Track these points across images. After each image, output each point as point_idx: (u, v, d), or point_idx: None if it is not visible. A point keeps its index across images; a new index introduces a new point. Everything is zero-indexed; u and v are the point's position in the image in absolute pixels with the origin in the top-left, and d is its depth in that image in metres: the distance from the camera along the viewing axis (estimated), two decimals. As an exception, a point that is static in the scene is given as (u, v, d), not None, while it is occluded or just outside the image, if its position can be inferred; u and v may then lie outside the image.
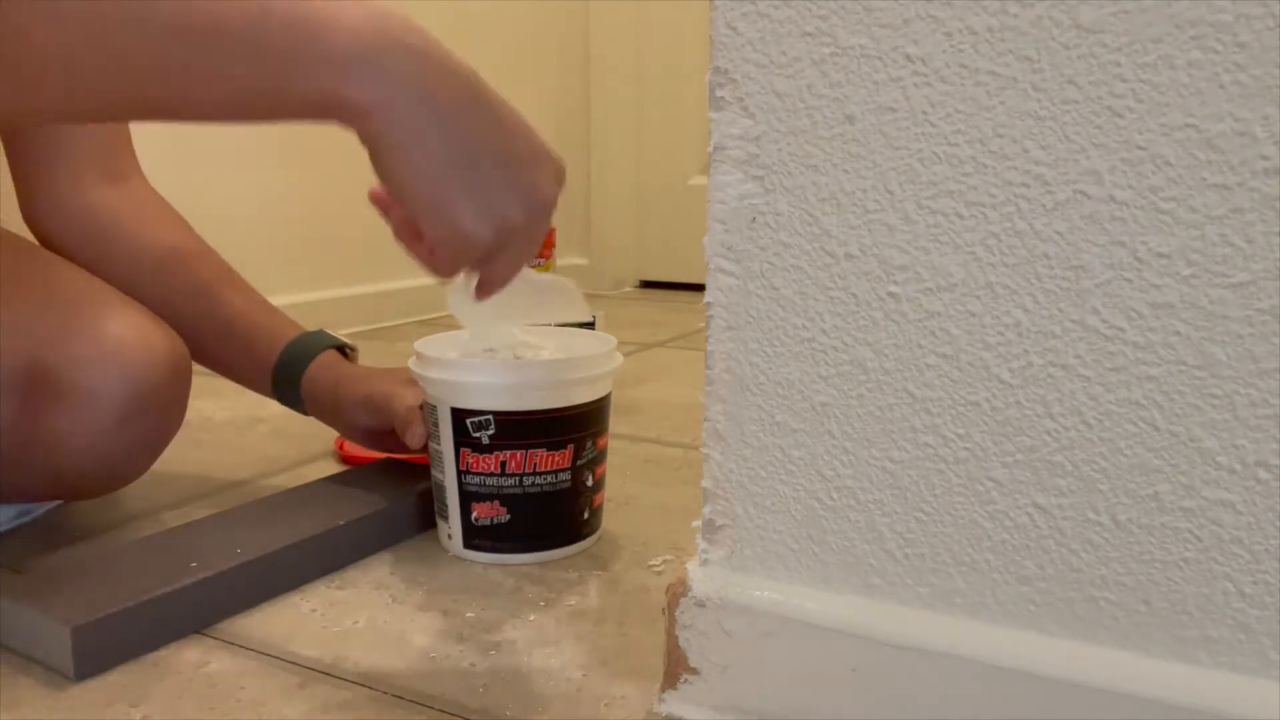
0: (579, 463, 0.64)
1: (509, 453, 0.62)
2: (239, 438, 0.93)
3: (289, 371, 0.74)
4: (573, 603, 0.59)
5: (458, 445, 0.63)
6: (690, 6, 1.93)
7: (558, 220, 1.22)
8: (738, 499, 0.44)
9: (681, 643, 0.45)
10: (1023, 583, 0.39)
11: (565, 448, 0.63)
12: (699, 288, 0.49)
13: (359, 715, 0.47)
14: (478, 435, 0.62)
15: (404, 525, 0.69)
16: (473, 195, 0.46)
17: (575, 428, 0.63)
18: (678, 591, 0.45)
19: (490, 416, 0.61)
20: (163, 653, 0.52)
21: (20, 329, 0.61)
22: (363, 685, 0.49)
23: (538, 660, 0.52)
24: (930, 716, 0.41)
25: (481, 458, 0.62)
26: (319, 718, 0.47)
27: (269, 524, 0.63)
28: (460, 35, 1.85)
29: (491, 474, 0.62)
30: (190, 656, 0.52)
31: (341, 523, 0.63)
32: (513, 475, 0.62)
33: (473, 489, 0.63)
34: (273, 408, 0.79)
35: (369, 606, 0.58)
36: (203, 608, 0.55)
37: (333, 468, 0.84)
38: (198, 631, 0.55)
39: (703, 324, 0.44)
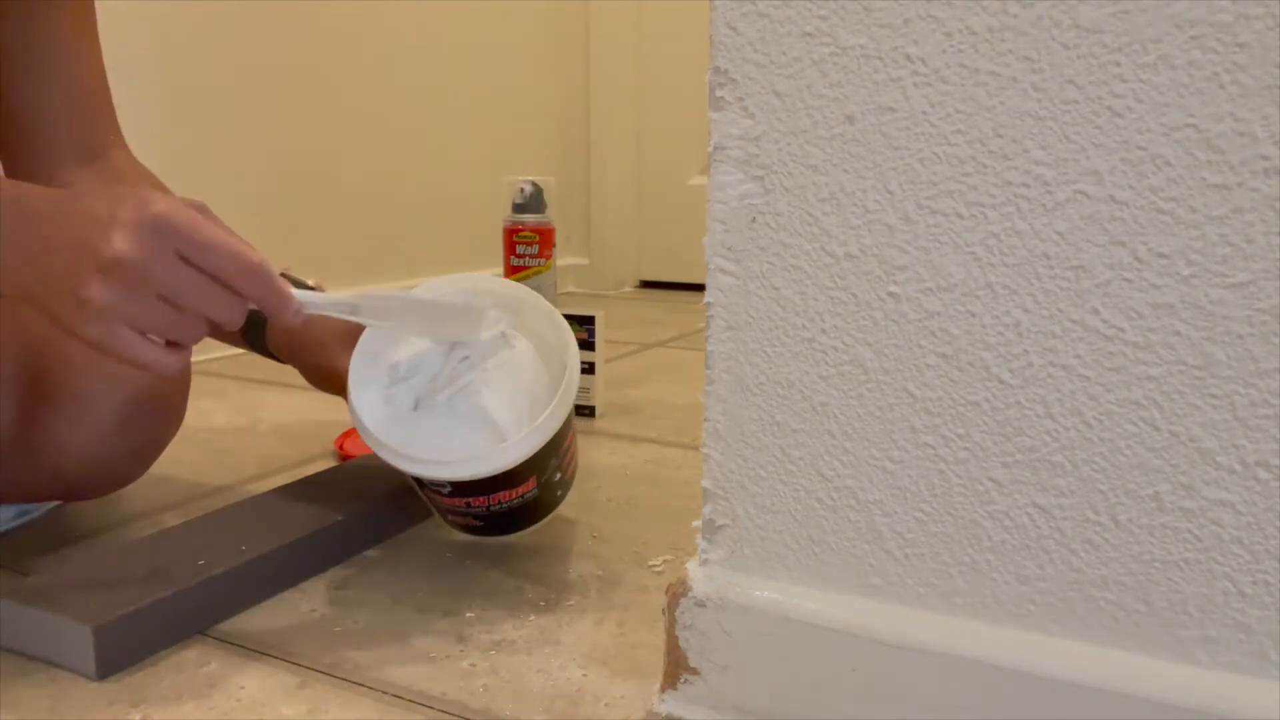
0: (544, 479, 0.62)
1: (470, 497, 0.60)
2: (239, 438, 0.93)
3: (253, 317, 0.72)
4: (573, 603, 0.59)
5: (421, 487, 0.62)
6: (690, 6, 1.93)
7: (558, 220, 1.22)
8: (738, 499, 0.44)
9: (681, 643, 0.45)
10: (1023, 583, 0.39)
11: (527, 480, 0.61)
12: (699, 288, 0.49)
13: (359, 715, 0.47)
14: (436, 488, 0.61)
15: (406, 519, 0.69)
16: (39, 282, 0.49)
17: (534, 466, 0.60)
18: (678, 591, 0.45)
19: (447, 483, 0.59)
20: (162, 652, 0.52)
21: (18, 331, 0.61)
22: (363, 685, 0.49)
23: (538, 660, 0.52)
24: (930, 716, 0.41)
25: (447, 499, 0.61)
26: (319, 718, 0.47)
27: (271, 521, 0.63)
28: (460, 36, 1.85)
29: (458, 508, 0.62)
30: (190, 656, 0.52)
31: (342, 517, 0.64)
32: (479, 508, 0.61)
33: (440, 509, 0.64)
34: (273, 408, 0.79)
35: (369, 606, 0.58)
36: (215, 605, 0.56)
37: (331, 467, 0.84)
38: (208, 628, 0.55)
39: (703, 324, 0.44)
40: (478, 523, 0.64)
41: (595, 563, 0.64)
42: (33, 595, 0.52)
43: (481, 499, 0.61)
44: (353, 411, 0.61)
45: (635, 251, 2.11)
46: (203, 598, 0.55)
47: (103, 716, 0.47)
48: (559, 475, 0.64)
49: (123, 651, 0.51)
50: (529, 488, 0.61)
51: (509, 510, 0.62)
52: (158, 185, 0.76)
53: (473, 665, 0.51)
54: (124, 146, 0.77)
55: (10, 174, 0.73)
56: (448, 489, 0.60)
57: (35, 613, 0.51)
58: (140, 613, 0.51)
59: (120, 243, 0.46)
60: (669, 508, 0.75)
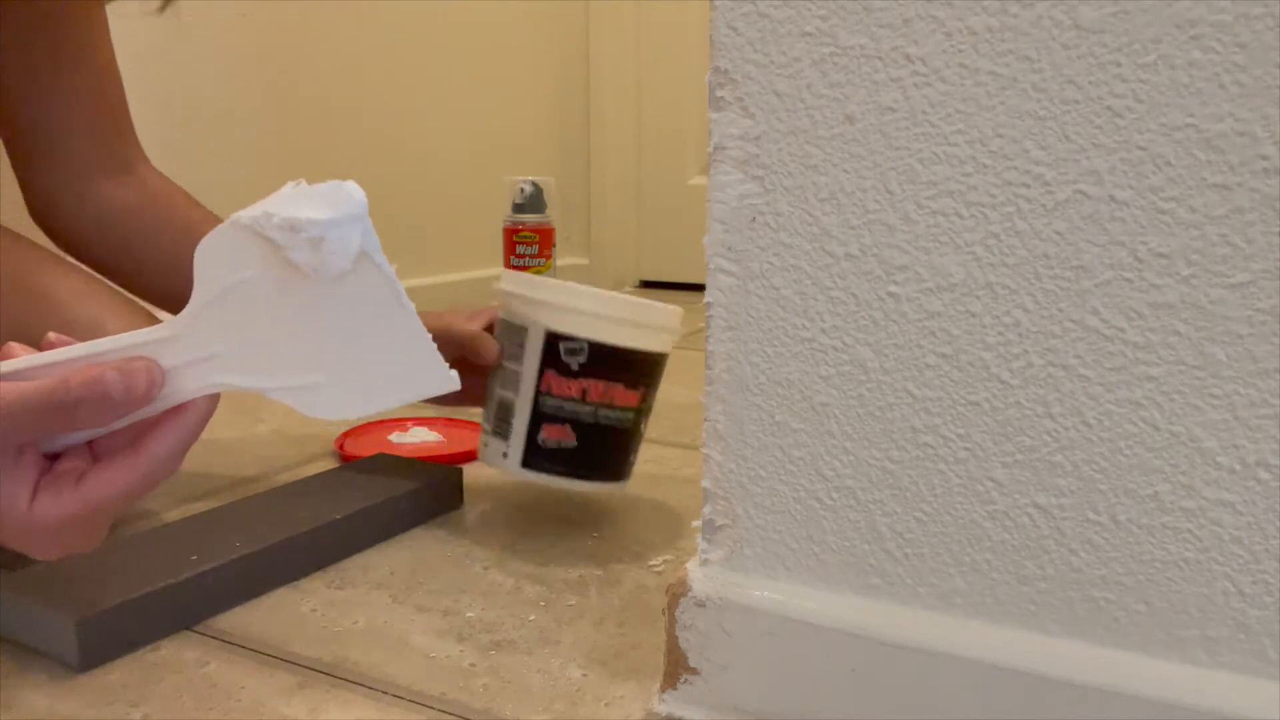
0: (642, 406, 0.67)
1: (593, 381, 0.64)
2: (239, 438, 0.93)
3: None
4: (573, 603, 0.59)
5: (543, 367, 0.64)
6: (690, 6, 1.93)
7: (558, 220, 1.21)
8: (738, 499, 0.44)
9: (681, 643, 0.45)
10: (1023, 583, 0.39)
11: (638, 388, 0.66)
12: (699, 288, 0.49)
13: (359, 715, 0.47)
14: (568, 360, 0.64)
15: (403, 517, 0.69)
16: None
17: (649, 371, 0.67)
18: (678, 591, 0.45)
19: (585, 344, 0.64)
20: (163, 652, 0.52)
21: (17, 329, 0.61)
22: (363, 685, 0.49)
23: (538, 660, 0.52)
24: (930, 716, 0.40)
25: (566, 381, 0.64)
26: (319, 718, 0.47)
27: (268, 519, 0.63)
28: (460, 36, 1.85)
29: (571, 399, 0.65)
30: (190, 656, 0.52)
31: (341, 516, 0.64)
32: (590, 404, 0.65)
33: (548, 411, 0.65)
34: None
35: (369, 606, 0.58)
36: (204, 600, 0.56)
37: (332, 467, 0.83)
38: (198, 625, 0.55)
39: (703, 324, 0.44)
40: (572, 441, 0.65)
41: (595, 563, 0.64)
42: (23, 586, 0.52)
43: (601, 385, 0.64)
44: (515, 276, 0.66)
45: (635, 251, 2.11)
46: (192, 593, 0.55)
47: (102, 716, 0.47)
48: (646, 420, 0.69)
49: (108, 644, 0.51)
50: (638, 398, 0.66)
51: (607, 429, 0.65)
52: (187, 199, 0.76)
53: (473, 665, 0.51)
54: (146, 158, 0.77)
55: (28, 187, 0.73)
56: (584, 355, 0.64)
57: (24, 603, 0.51)
58: (126, 605, 0.51)
59: (44, 550, 0.41)
60: (669, 508, 0.75)
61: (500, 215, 1.20)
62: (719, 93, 0.41)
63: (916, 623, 0.41)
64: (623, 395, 0.66)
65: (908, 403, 0.40)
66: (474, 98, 1.77)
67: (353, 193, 0.37)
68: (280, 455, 0.88)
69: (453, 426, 0.93)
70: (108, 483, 0.40)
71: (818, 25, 0.39)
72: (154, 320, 0.66)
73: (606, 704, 0.48)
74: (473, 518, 0.72)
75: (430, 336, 0.39)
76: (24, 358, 0.40)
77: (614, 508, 0.74)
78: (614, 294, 0.67)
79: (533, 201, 1.17)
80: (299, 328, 0.39)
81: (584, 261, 2.10)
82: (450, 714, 0.47)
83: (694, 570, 0.46)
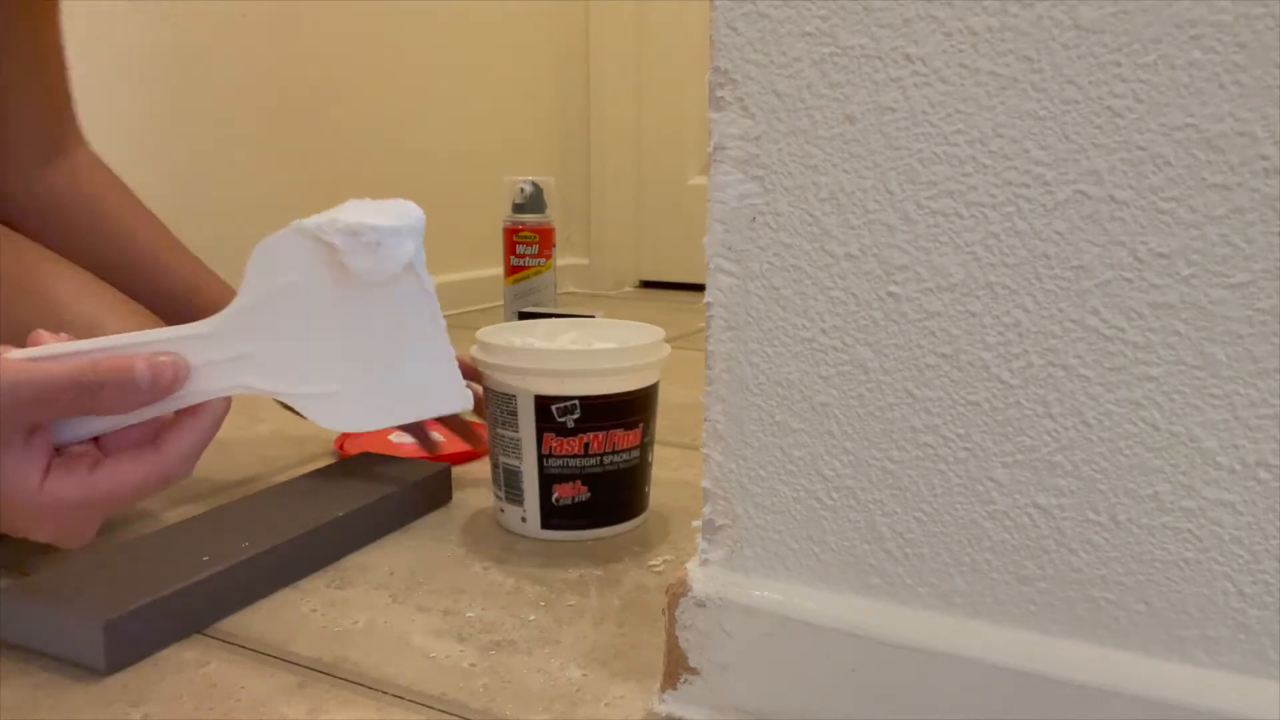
0: (645, 440, 0.68)
1: (592, 434, 0.65)
2: (239, 438, 0.93)
3: None
4: (573, 603, 0.59)
5: (540, 431, 0.65)
6: (690, 6, 1.93)
7: (558, 220, 1.21)
8: (738, 499, 0.44)
9: (681, 643, 0.45)
10: (1023, 583, 0.39)
11: (636, 427, 0.67)
12: (699, 288, 0.49)
13: (359, 715, 0.47)
14: (563, 420, 0.64)
15: (400, 514, 0.70)
16: None
17: (642, 409, 0.68)
18: (678, 591, 0.45)
19: (576, 401, 0.64)
20: (162, 653, 0.52)
21: (16, 329, 0.61)
22: (363, 685, 0.49)
23: (538, 660, 0.52)
24: (930, 716, 0.41)
25: (566, 441, 0.65)
26: (319, 718, 0.47)
27: (272, 518, 0.63)
28: (460, 35, 1.85)
29: (575, 455, 0.65)
30: (190, 656, 0.52)
31: (343, 513, 0.64)
32: (594, 455, 0.66)
33: (555, 471, 0.66)
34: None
35: (369, 606, 0.58)
36: (220, 601, 0.56)
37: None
38: (209, 627, 0.55)
39: (703, 324, 0.44)
40: (585, 494, 0.66)
41: (595, 563, 0.64)
42: (38, 592, 0.52)
43: (601, 435, 0.65)
44: (488, 344, 0.66)
45: (635, 251, 2.11)
46: (208, 593, 0.55)
47: (103, 716, 0.47)
48: (652, 448, 0.70)
49: (131, 647, 0.51)
50: (640, 434, 0.67)
51: (617, 473, 0.66)
52: (120, 187, 0.75)
53: (473, 665, 0.51)
54: (85, 143, 0.75)
55: None
56: (577, 411, 0.64)
57: (42, 608, 0.51)
58: (150, 607, 0.52)
59: (43, 532, 0.42)
60: (669, 508, 0.75)
61: (500, 215, 1.20)
62: (719, 93, 0.41)
63: (916, 623, 0.41)
64: (624, 437, 0.66)
65: (908, 403, 0.40)
66: (474, 97, 1.77)
67: (411, 209, 0.40)
68: (280, 455, 0.88)
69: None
70: (125, 473, 0.41)
71: (818, 25, 0.39)
72: (154, 321, 0.66)
73: (606, 704, 0.48)
74: (472, 517, 0.72)
75: (454, 354, 0.41)
76: (53, 344, 0.41)
77: (614, 508, 0.75)
78: (594, 347, 0.69)
79: (533, 201, 1.17)
80: (331, 336, 0.41)
81: (584, 261, 2.10)
82: (450, 714, 0.47)
83: (694, 570, 0.46)
